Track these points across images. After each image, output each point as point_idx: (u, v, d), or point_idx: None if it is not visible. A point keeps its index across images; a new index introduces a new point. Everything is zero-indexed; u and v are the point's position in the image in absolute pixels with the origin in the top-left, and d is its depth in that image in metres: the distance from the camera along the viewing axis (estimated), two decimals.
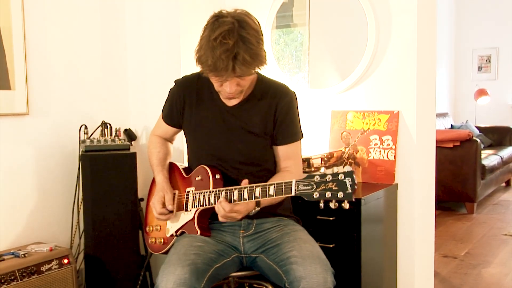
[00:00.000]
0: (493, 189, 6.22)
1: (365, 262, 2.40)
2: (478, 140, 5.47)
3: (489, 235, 4.73)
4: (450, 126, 7.21)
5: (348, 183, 1.60)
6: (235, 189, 1.87)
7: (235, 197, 1.84)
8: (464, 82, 8.52)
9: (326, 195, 1.62)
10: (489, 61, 8.32)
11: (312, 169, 2.50)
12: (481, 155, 5.53)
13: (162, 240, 2.13)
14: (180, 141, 2.56)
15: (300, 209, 2.28)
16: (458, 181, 5.46)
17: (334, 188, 1.62)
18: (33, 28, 2.66)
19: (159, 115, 2.27)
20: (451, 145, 5.42)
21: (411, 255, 2.73)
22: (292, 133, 2.09)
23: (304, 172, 2.38)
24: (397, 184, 2.71)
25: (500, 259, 4.01)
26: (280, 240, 1.95)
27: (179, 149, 2.80)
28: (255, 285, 2.22)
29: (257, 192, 1.80)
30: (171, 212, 2.06)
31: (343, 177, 1.61)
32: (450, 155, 5.44)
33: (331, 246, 2.39)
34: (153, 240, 2.17)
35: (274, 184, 1.77)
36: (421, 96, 2.72)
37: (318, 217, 2.43)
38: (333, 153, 2.73)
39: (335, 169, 1.64)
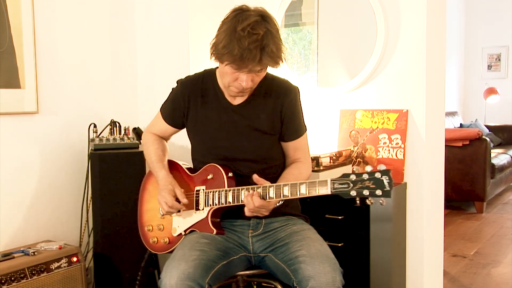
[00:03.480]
0: (502, 188, 6.18)
1: (373, 261, 2.40)
2: (488, 139, 5.43)
3: (499, 234, 4.70)
4: (459, 125, 7.18)
5: (385, 181, 1.66)
6: (257, 187, 1.87)
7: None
8: (474, 81, 8.47)
9: (364, 193, 1.68)
10: (499, 60, 8.26)
11: (321, 168, 2.49)
12: (490, 154, 5.49)
13: (167, 240, 2.10)
14: (182, 139, 2.56)
15: (309, 208, 2.28)
16: (468, 180, 5.43)
17: (371, 186, 1.68)
18: (43, 27, 2.67)
19: (158, 112, 2.25)
20: (460, 144, 5.39)
21: (420, 254, 2.72)
22: (299, 129, 2.12)
23: (313, 171, 2.37)
24: (406, 183, 2.70)
25: (510, 258, 3.98)
26: (289, 239, 1.95)
27: (184, 146, 2.80)
28: (264, 284, 2.21)
29: (286, 191, 1.82)
30: (182, 206, 2.05)
31: (380, 176, 1.67)
32: (459, 154, 5.42)
33: (339, 245, 2.38)
34: (155, 240, 2.14)
35: (306, 183, 1.79)
36: (430, 95, 2.70)
37: (327, 216, 2.42)
38: (342, 152, 2.72)
39: (368, 168, 1.70)
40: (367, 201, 1.71)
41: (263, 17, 1.82)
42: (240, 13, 1.83)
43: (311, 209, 2.30)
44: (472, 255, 4.08)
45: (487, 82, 8.20)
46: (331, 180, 1.74)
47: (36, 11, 2.63)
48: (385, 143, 2.72)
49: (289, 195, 1.82)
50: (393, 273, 2.65)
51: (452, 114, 7.18)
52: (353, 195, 1.70)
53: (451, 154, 5.32)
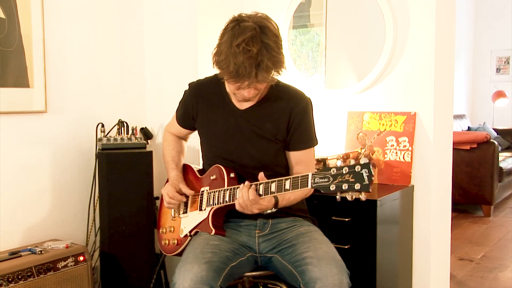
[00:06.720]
0: (510, 192, 6.15)
1: (380, 263, 2.39)
2: (496, 142, 5.41)
3: (506, 238, 4.68)
4: (467, 128, 7.14)
5: (365, 175, 1.58)
6: (251, 185, 1.86)
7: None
8: (482, 84, 8.42)
9: (343, 187, 1.61)
10: (508, 63, 8.22)
11: None
12: (498, 158, 5.47)
13: (175, 241, 2.12)
14: (197, 141, 2.56)
15: (316, 210, 2.28)
16: (475, 183, 5.41)
17: (351, 180, 1.60)
18: (52, 27, 2.68)
19: (175, 112, 2.28)
20: (468, 147, 5.37)
21: (427, 257, 2.71)
22: (306, 140, 2.07)
23: None
24: (413, 185, 2.69)
25: None
26: (296, 241, 1.95)
27: (195, 148, 2.81)
28: (270, 285, 2.21)
29: (273, 187, 1.80)
30: (186, 197, 2.09)
31: (360, 169, 1.60)
32: (467, 157, 5.39)
33: (346, 247, 2.38)
34: (167, 242, 2.17)
35: (290, 178, 1.76)
36: (439, 98, 2.69)
37: (334, 217, 2.42)
38: (349, 154, 2.72)
39: (352, 161, 1.63)
40: (347, 196, 1.62)
41: (261, 28, 1.77)
42: (237, 24, 1.79)
43: (318, 211, 2.29)
44: (479, 259, 4.06)
45: (495, 85, 8.15)
46: (312, 174, 1.69)
47: (46, 11, 2.64)
48: (392, 145, 2.72)
49: (275, 191, 1.79)
50: (399, 276, 2.64)
51: (460, 117, 7.15)
52: (332, 189, 1.63)
53: (459, 157, 5.30)
